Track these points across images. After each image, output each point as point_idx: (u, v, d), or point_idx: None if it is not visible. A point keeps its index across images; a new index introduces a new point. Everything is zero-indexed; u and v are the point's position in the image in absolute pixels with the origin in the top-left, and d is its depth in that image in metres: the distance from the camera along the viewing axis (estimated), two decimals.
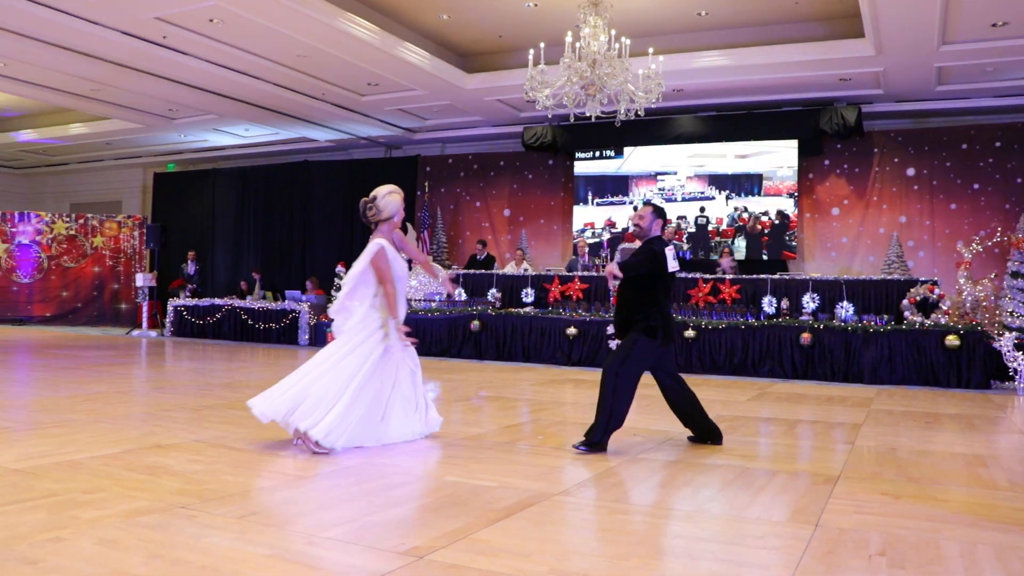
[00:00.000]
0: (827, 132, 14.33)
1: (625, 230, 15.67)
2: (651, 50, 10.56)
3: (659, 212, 5.67)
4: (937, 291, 11.27)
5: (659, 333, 5.41)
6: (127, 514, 3.47)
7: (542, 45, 10.52)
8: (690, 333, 11.70)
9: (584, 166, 16.43)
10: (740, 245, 15.12)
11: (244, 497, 3.87)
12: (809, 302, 11.89)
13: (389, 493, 4.04)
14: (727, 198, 15.34)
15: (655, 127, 15.42)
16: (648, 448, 5.49)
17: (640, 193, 15.91)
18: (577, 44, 10.27)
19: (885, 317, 11.24)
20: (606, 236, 16.01)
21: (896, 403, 8.61)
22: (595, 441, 5.29)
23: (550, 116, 11.25)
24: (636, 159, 16.03)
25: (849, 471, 4.88)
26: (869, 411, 7.85)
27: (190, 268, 18.70)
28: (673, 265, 5.50)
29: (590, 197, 16.36)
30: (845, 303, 11.66)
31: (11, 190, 24.16)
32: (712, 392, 9.23)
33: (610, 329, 11.92)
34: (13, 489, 3.90)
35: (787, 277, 12.46)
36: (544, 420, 6.76)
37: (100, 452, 4.77)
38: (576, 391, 9.15)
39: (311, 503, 3.83)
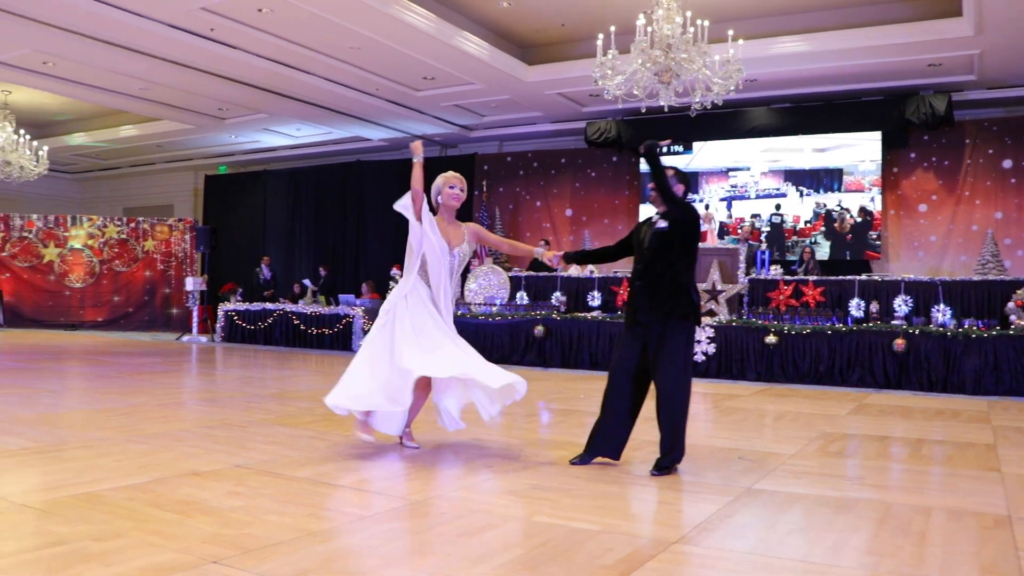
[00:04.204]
0: (913, 123, 13.30)
1: None
2: (731, 32, 9.74)
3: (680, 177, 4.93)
4: None
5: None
6: (144, 573, 2.77)
7: (612, 29, 9.77)
8: (771, 339, 10.81)
9: None
10: (823, 245, 14.12)
11: (292, 547, 3.11)
12: (901, 305, 10.95)
13: (469, 540, 3.28)
14: (801, 194, 14.35)
15: (726, 120, 14.48)
16: (761, 475, 4.67)
17: (710, 191, 15.01)
18: (649, 28, 9.49)
19: (987, 321, 10.25)
20: None
21: (1018, 418, 7.64)
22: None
23: (620, 104, 10.45)
24: (706, 154, 15.12)
25: (1018, 509, 4.01)
26: (993, 428, 6.91)
27: (265, 273, 18.04)
28: None
29: None
30: (942, 306, 10.70)
31: (66, 195, 24.02)
32: (804, 404, 8.35)
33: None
34: (13, 532, 3.23)
35: (876, 278, 11.47)
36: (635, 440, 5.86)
37: (125, 481, 4.06)
38: (652, 401, 8.27)
39: (375, 556, 3.09)
